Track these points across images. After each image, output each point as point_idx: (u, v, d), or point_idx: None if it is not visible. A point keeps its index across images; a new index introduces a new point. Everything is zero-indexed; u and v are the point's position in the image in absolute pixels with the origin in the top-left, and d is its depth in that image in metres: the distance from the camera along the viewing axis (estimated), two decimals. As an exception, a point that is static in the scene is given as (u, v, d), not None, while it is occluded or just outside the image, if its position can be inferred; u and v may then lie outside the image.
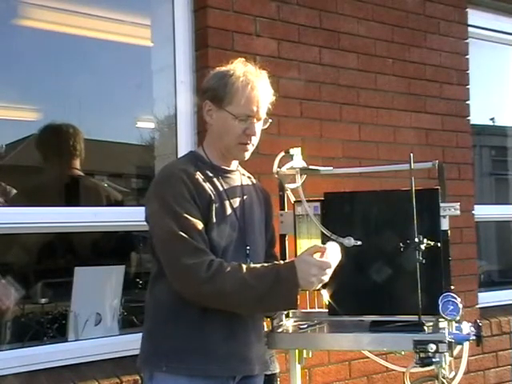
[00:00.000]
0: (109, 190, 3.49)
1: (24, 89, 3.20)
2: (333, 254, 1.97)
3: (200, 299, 1.92)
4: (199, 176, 2.00)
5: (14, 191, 3.12)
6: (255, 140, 2.08)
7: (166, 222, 1.91)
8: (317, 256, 1.92)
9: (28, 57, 3.17)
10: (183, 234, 1.88)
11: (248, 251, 2.06)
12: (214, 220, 1.97)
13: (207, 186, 2.00)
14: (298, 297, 1.92)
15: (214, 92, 2.04)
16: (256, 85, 2.03)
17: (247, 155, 2.10)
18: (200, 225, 1.92)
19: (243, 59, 2.11)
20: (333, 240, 2.32)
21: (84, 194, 3.31)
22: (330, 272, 1.92)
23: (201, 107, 2.11)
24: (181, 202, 1.92)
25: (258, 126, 2.07)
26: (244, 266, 1.91)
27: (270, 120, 2.11)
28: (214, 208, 1.98)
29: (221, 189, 2.05)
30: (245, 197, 2.13)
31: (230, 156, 2.11)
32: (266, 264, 1.97)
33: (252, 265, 1.95)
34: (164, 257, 1.95)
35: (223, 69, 2.08)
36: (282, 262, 2.02)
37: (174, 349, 1.93)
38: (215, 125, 2.07)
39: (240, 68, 2.05)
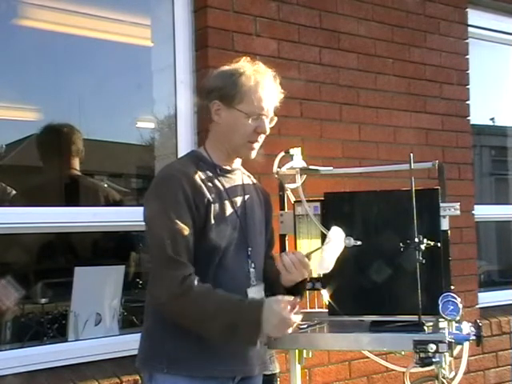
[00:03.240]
0: (107, 189, 3.49)
1: (24, 89, 3.20)
2: (333, 245, 1.99)
3: (165, 311, 1.93)
4: (199, 178, 1.99)
5: (14, 192, 3.13)
6: (262, 138, 2.08)
7: (157, 227, 1.92)
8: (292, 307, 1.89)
9: (28, 57, 3.17)
10: (170, 243, 1.87)
11: (250, 252, 2.06)
12: (213, 221, 1.96)
13: (207, 187, 1.99)
14: (261, 334, 1.88)
15: (223, 91, 2.02)
16: (267, 83, 2.05)
17: (254, 154, 2.09)
18: (187, 230, 1.90)
19: (248, 58, 2.11)
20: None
21: (82, 194, 3.31)
22: (291, 330, 1.90)
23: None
24: (175, 206, 1.91)
25: (268, 125, 2.08)
26: (213, 293, 1.88)
27: (276, 118, 2.11)
28: (212, 209, 1.97)
29: (222, 189, 2.04)
30: (246, 197, 2.12)
31: (236, 155, 2.11)
32: (234, 297, 1.91)
33: (222, 293, 1.90)
34: (151, 258, 1.97)
35: (229, 68, 2.08)
36: (251, 299, 1.94)
37: (174, 349, 1.93)
38: (224, 124, 2.05)
39: (249, 67, 2.05)
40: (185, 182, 1.94)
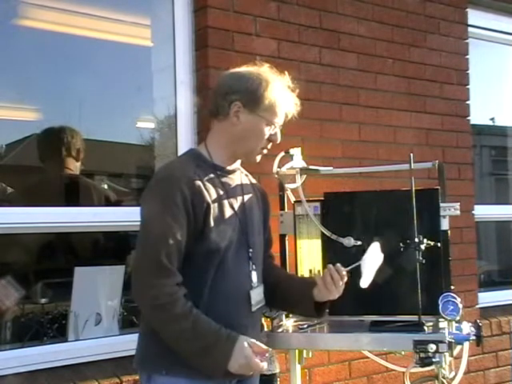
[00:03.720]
0: (104, 190, 3.49)
1: (24, 89, 3.20)
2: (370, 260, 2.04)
3: (146, 316, 1.96)
4: (199, 178, 1.97)
5: (14, 192, 3.13)
6: (270, 146, 2.12)
7: (153, 228, 1.92)
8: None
9: (28, 57, 3.17)
10: (163, 247, 1.87)
11: (251, 254, 2.06)
12: (212, 223, 1.95)
13: (207, 188, 1.98)
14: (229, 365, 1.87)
15: (249, 95, 2.02)
16: (290, 96, 2.10)
17: (259, 159, 2.13)
18: (181, 235, 1.90)
19: (268, 65, 2.12)
20: (333, 239, 2.33)
21: (81, 194, 3.31)
22: (252, 372, 1.92)
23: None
24: (173, 209, 1.90)
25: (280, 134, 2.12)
26: (193, 314, 1.87)
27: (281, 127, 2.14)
28: (212, 211, 1.95)
29: (222, 190, 2.03)
30: (245, 197, 2.12)
31: (243, 158, 2.12)
32: (212, 324, 1.89)
33: (202, 317, 1.88)
34: (135, 258, 1.96)
35: (253, 72, 2.07)
36: (228, 331, 1.89)
37: (173, 351, 1.91)
38: (241, 127, 2.04)
39: (275, 76, 2.08)
40: (183, 183, 1.93)
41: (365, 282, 2.08)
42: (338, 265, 2.08)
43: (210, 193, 1.98)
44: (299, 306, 2.21)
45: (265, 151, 2.11)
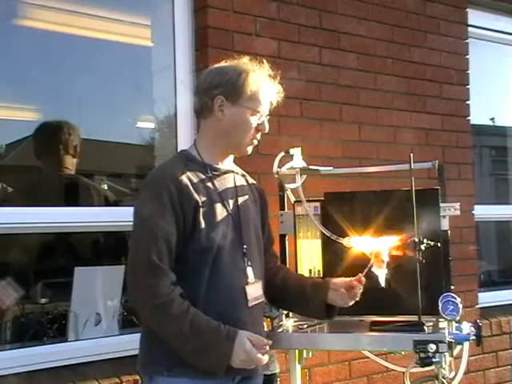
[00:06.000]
0: (103, 190, 3.48)
1: (24, 89, 3.20)
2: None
3: (144, 317, 1.98)
4: (187, 178, 1.98)
5: (14, 192, 3.12)
6: (259, 136, 2.12)
7: (143, 229, 1.92)
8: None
9: (28, 57, 3.17)
10: (154, 248, 1.87)
11: (245, 250, 2.05)
12: (203, 222, 1.95)
13: (195, 187, 1.98)
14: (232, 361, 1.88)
15: (230, 87, 2.03)
16: (270, 84, 2.10)
17: (250, 150, 2.13)
18: (171, 234, 1.90)
19: (247, 57, 2.14)
20: (333, 239, 2.33)
21: (78, 195, 3.30)
22: (253, 366, 1.93)
23: (203, 103, 2.09)
24: (161, 210, 1.90)
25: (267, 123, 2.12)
26: (190, 313, 1.87)
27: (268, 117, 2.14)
28: (201, 210, 1.96)
29: (212, 189, 2.03)
30: (239, 196, 2.12)
31: (234, 152, 2.12)
32: (211, 321, 1.90)
33: (200, 315, 1.89)
34: (129, 260, 1.96)
35: (231, 65, 2.10)
36: (226, 326, 1.90)
37: (173, 351, 1.91)
38: (227, 120, 2.05)
39: (253, 66, 2.09)
40: (171, 182, 1.94)
41: (382, 280, 2.13)
42: (361, 277, 2.12)
43: (200, 191, 1.98)
44: (309, 307, 2.20)
45: (255, 142, 2.11)
